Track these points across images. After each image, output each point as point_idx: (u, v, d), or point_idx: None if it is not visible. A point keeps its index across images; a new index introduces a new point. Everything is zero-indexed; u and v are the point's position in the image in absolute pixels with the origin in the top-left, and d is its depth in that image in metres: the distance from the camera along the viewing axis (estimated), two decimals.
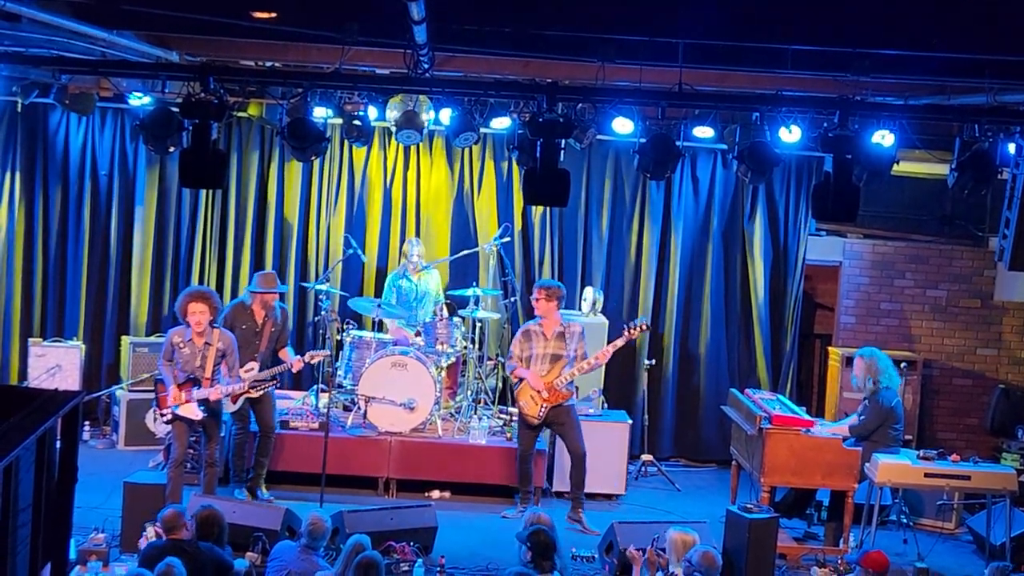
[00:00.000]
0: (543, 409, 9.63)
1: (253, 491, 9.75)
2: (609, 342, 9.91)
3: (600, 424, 10.43)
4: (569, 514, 9.72)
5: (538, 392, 9.63)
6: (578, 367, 9.67)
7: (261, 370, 9.65)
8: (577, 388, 10.09)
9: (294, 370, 9.95)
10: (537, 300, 9.81)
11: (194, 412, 8.99)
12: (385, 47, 8.87)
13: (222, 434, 9.43)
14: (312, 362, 9.92)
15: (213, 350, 9.06)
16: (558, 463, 10.39)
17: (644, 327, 9.85)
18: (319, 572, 7.15)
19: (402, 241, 11.81)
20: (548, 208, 11.79)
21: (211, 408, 9.05)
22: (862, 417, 9.59)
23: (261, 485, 9.83)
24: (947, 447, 9.96)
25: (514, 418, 10.72)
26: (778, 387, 11.86)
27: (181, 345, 9.07)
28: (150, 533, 7.74)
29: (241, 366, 9.50)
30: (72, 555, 7.51)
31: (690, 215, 12.09)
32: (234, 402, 9.43)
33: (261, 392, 9.53)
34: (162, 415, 9.14)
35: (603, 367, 10.84)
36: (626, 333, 9.73)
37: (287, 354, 9.89)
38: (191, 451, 9.52)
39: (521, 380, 9.75)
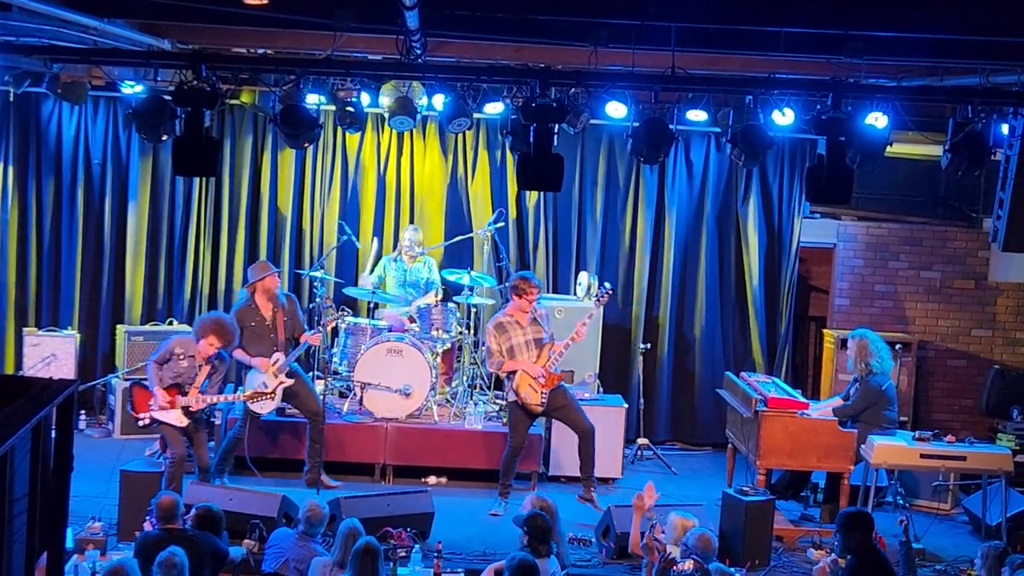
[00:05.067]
0: (544, 395, 9.53)
1: (315, 484, 9.57)
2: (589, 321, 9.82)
3: (596, 408, 10.41)
4: (581, 495, 9.62)
5: (536, 379, 9.49)
6: (565, 344, 9.46)
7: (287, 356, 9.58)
8: (572, 373, 10.07)
9: (314, 343, 9.94)
10: (531, 292, 9.59)
11: (180, 419, 8.95)
12: (377, 33, 8.83)
13: (207, 431, 9.37)
14: (329, 328, 9.95)
15: (207, 365, 9.09)
16: (555, 447, 10.41)
17: (609, 292, 9.85)
18: (316, 558, 7.16)
19: (396, 227, 11.82)
20: (542, 193, 11.79)
21: (193, 416, 9.03)
22: (851, 399, 9.60)
23: (321, 476, 9.64)
24: (942, 428, 9.99)
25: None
26: (773, 370, 11.88)
27: (181, 357, 9.05)
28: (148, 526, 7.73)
29: (266, 357, 9.50)
30: (69, 544, 7.53)
31: (684, 199, 12.08)
32: (272, 400, 9.43)
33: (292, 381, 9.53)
34: (139, 419, 9.05)
35: (598, 352, 10.91)
36: (593, 306, 9.80)
37: (306, 336, 9.72)
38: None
39: (514, 373, 9.54)
